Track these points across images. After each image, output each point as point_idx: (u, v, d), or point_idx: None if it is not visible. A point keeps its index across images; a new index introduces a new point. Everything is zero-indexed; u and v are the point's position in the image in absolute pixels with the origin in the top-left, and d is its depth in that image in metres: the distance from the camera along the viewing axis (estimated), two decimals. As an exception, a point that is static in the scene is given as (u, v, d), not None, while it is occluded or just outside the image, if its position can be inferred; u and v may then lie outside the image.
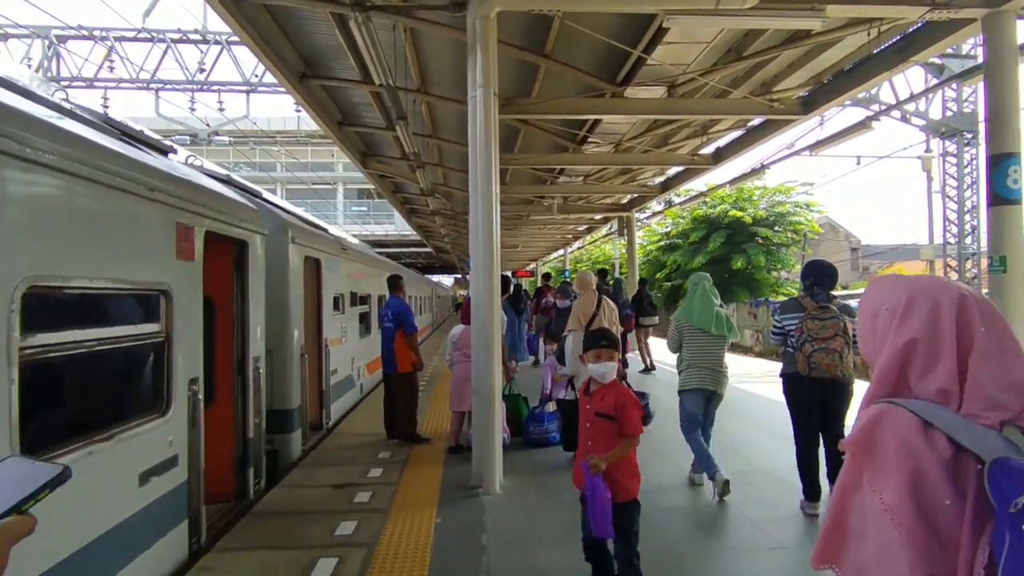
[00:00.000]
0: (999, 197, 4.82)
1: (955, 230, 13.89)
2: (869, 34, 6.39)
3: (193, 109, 11.93)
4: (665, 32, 5.91)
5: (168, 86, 12.63)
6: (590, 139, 9.95)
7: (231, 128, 15.48)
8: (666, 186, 12.80)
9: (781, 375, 4.84)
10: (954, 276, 14.03)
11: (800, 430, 4.50)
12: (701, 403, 4.82)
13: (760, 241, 25.90)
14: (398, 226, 43.62)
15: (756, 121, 9.19)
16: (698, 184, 14.19)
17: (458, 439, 6.02)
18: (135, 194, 3.05)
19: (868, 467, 1.16)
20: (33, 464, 0.76)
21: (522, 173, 15.91)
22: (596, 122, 8.92)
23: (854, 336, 4.10)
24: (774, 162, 10.31)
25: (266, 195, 6.96)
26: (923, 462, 1.08)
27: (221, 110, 11.93)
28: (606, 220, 17.97)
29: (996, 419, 1.09)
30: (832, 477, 4.35)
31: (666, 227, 29.65)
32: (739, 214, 25.68)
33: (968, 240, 13.67)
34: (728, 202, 26.68)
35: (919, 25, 5.84)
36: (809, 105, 7.63)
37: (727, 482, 4.49)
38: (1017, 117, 4.77)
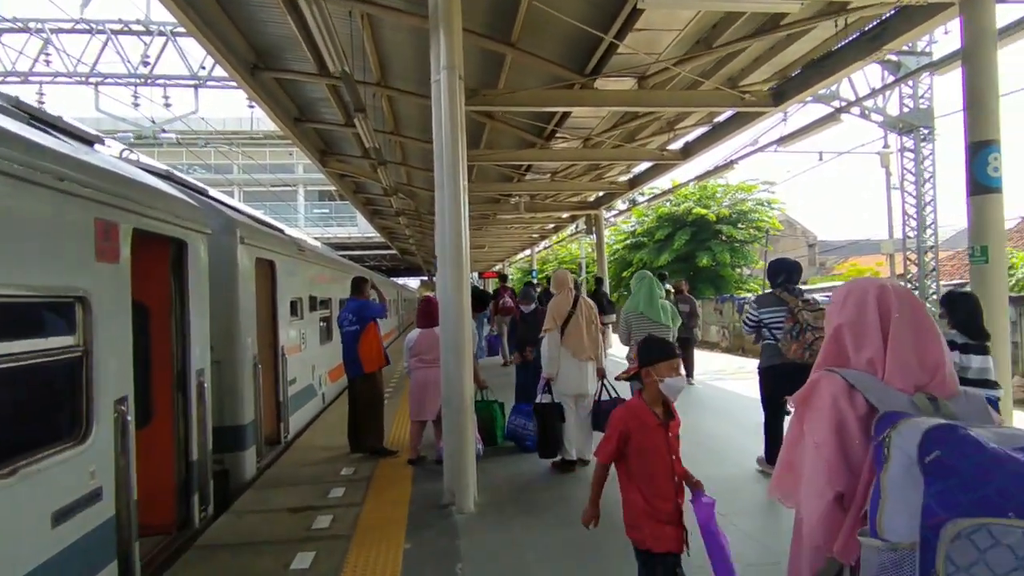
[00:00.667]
0: (979, 186, 4.71)
1: (914, 224, 14.14)
2: (836, 24, 6.31)
3: (137, 105, 11.19)
4: (638, 16, 5.65)
5: (109, 80, 11.82)
6: (558, 134, 9.68)
7: (182, 127, 14.67)
8: (634, 183, 12.65)
9: (761, 369, 5.14)
10: (913, 269, 14.30)
11: (774, 408, 5.09)
12: None
13: (724, 238, 26.20)
14: (361, 228, 42.70)
15: (725, 115, 9.07)
16: (665, 181, 14.08)
17: (418, 451, 5.66)
18: (39, 184, 2.59)
19: (806, 417, 1.58)
20: None
21: (488, 171, 15.55)
22: (564, 116, 8.66)
23: None
24: (742, 157, 10.23)
25: (214, 193, 6.44)
26: (844, 413, 1.48)
27: (167, 106, 11.23)
28: (573, 219, 17.78)
29: (909, 385, 1.47)
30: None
31: (632, 225, 29.75)
32: (703, 211, 25.91)
33: (927, 233, 13.93)
34: (692, 200, 26.92)
35: (892, 12, 5.74)
36: (780, 97, 7.51)
37: None
38: (996, 103, 4.67)
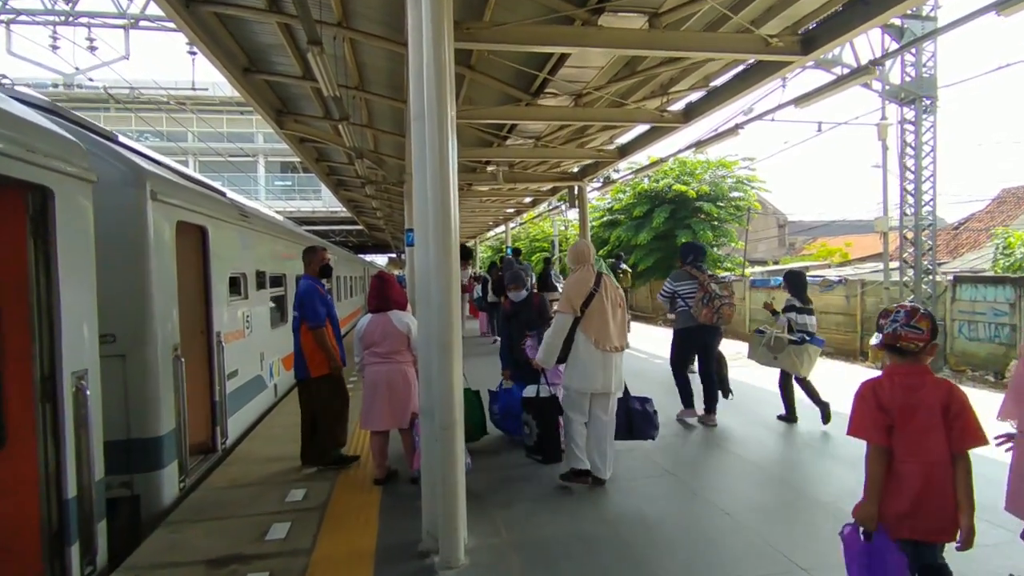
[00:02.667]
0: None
1: (911, 200, 13.48)
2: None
3: (56, 47, 9.53)
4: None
5: (23, 18, 10.07)
6: (548, 88, 8.50)
7: (116, 80, 12.91)
8: (625, 151, 11.56)
9: (677, 330, 6.27)
10: (910, 249, 13.68)
11: (683, 363, 6.31)
12: None
13: (703, 216, 25.47)
14: (326, 202, 40.93)
15: (739, 68, 8.04)
16: (661, 149, 13.05)
17: (386, 466, 4.57)
18: None
19: None
20: None
21: (465, 134, 14.26)
22: (559, 64, 7.49)
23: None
24: (748, 121, 9.23)
25: (127, 141, 5.09)
26: None
27: (92, 48, 9.60)
28: (554, 191, 16.64)
29: None
30: (708, 392, 6.07)
31: (608, 202, 28.79)
32: (683, 188, 25.09)
33: (926, 211, 13.29)
34: (672, 176, 26.06)
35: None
36: (809, 44, 6.48)
37: None
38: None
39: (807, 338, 5.80)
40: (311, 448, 4.83)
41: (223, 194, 6.22)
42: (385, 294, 4.53)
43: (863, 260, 34.02)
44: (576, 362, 4.32)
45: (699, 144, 10.01)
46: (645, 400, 4.74)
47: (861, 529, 2.33)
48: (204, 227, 4.98)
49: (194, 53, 10.71)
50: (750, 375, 8.48)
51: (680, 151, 11.51)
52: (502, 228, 28.65)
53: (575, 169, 13.75)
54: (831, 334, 17.27)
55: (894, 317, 2.38)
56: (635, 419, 4.62)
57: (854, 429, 2.40)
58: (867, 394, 2.36)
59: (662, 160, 12.26)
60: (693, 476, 4.64)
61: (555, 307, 4.79)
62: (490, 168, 14.20)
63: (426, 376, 3.22)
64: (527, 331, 5.17)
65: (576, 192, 13.92)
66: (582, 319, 4.31)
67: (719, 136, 9.29)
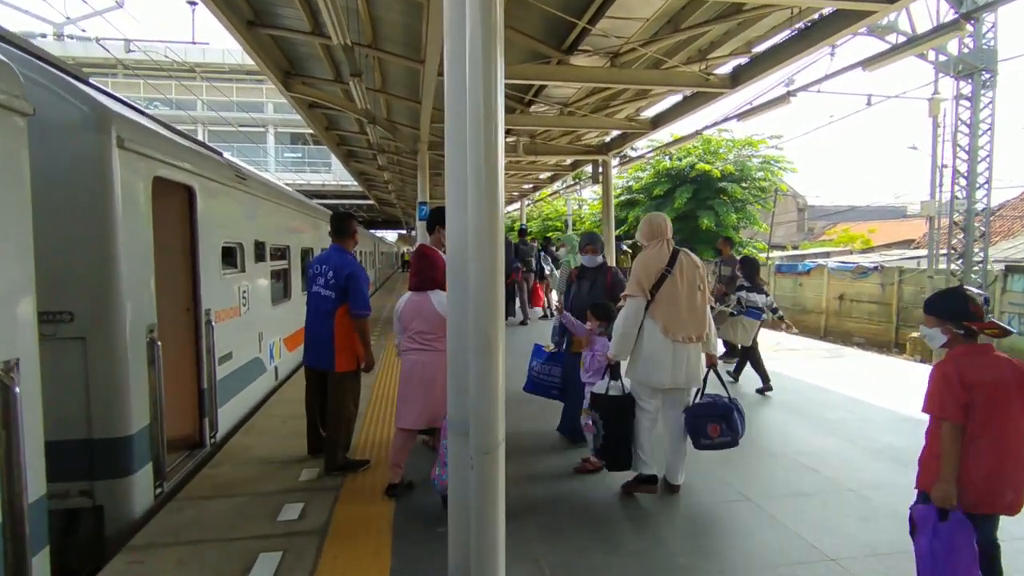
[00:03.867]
0: None
1: (963, 183, 12.50)
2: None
3: (41, -8, 8.74)
4: None
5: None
6: (582, 46, 7.64)
7: (104, 26, 12.10)
8: (658, 122, 10.65)
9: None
10: (959, 235, 12.74)
11: None
12: None
13: (725, 197, 24.45)
14: (337, 175, 40.21)
15: (787, 33, 7.17)
16: (703, 118, 11.96)
17: (402, 474, 3.92)
18: None
19: None
20: None
21: None
22: (597, 16, 6.63)
23: None
24: (801, 88, 8.33)
25: (96, 84, 4.30)
26: None
27: (83, -4, 8.81)
28: (576, 165, 15.75)
29: None
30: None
31: (626, 181, 27.77)
32: (707, 167, 24.04)
33: (979, 194, 12.32)
34: (694, 155, 25.00)
35: None
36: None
37: None
38: None
39: (744, 312, 6.72)
40: (318, 439, 4.22)
41: (219, 153, 5.47)
42: (426, 272, 3.91)
43: (889, 247, 32.91)
44: (642, 352, 3.84)
45: (744, 114, 9.10)
46: (733, 402, 4.01)
47: (935, 508, 2.37)
48: (191, 187, 4.24)
49: (195, 3, 9.86)
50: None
51: (717, 123, 10.55)
52: (516, 206, 27.75)
53: (601, 142, 12.86)
54: (863, 324, 16.41)
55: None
56: (689, 417, 3.97)
57: (936, 408, 2.42)
58: (950, 374, 2.39)
59: (698, 132, 11.23)
60: (759, 492, 3.94)
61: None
62: (509, 139, 13.33)
63: (457, 381, 2.47)
64: (597, 303, 4.50)
65: (600, 167, 13.03)
66: (651, 303, 3.81)
67: (769, 104, 8.39)
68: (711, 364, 4.06)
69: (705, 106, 9.01)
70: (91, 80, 3.85)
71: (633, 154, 17.45)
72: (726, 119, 9.72)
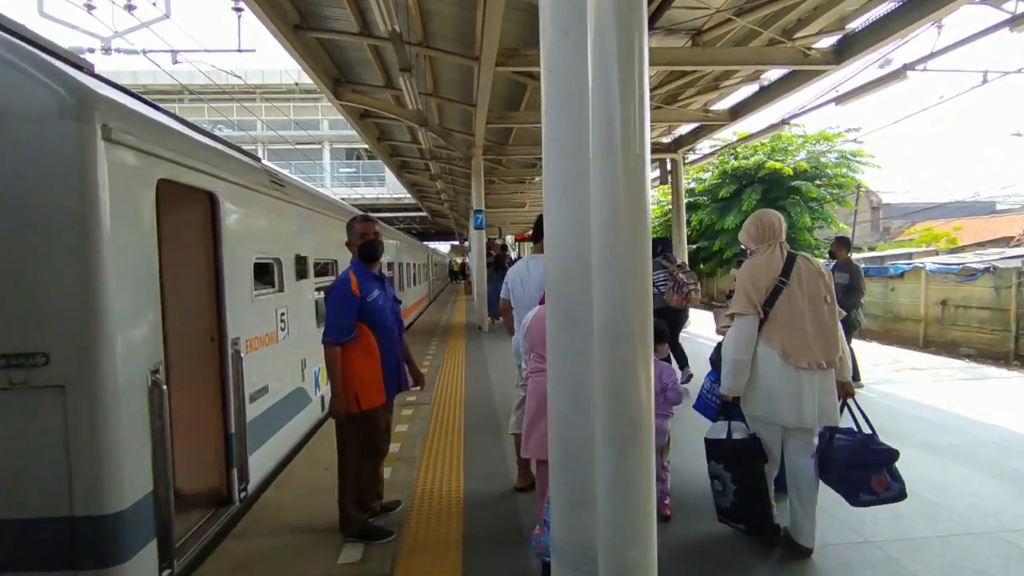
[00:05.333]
0: None
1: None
2: None
3: (92, 7, 8.55)
4: None
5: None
6: (658, 24, 6.68)
7: (150, 37, 12.02)
8: (738, 111, 9.49)
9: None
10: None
11: None
12: None
13: (800, 197, 22.63)
14: (390, 188, 40.61)
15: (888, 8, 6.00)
16: (795, 101, 10.52)
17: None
18: None
19: None
20: None
21: (528, 133, 12.65)
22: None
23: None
24: (919, 61, 7.06)
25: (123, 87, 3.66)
26: None
27: (131, 7, 8.55)
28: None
29: None
30: (677, 355, 6.69)
31: (689, 183, 26.32)
32: (778, 165, 22.34)
33: None
34: (763, 152, 23.34)
35: None
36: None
37: None
38: None
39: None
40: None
41: (255, 159, 4.80)
42: None
43: (982, 246, 29.98)
44: (757, 383, 3.15)
45: (843, 97, 7.86)
46: (871, 439, 3.11)
47: None
48: (212, 193, 3.54)
49: (240, 10, 9.49)
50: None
51: (805, 109, 9.27)
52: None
53: (672, 136, 11.78)
54: (972, 332, 14.50)
55: None
56: (835, 464, 3.09)
57: None
58: None
59: (784, 121, 9.88)
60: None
61: None
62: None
63: (567, 484, 1.56)
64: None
65: (670, 166, 11.93)
66: (765, 322, 3.13)
67: (879, 82, 7.14)
68: (846, 395, 3.21)
69: (799, 88, 7.84)
70: (91, 66, 3.19)
71: (692, 156, 16.22)
72: (806, 109, 8.45)
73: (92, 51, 8.54)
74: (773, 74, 9.21)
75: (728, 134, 18.84)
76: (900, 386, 6.17)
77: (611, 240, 1.45)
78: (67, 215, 2.43)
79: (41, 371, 2.42)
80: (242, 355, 3.81)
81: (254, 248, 4.24)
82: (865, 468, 3.04)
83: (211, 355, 3.66)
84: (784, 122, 9.71)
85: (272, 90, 42.42)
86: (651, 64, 7.61)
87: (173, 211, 3.44)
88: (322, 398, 5.94)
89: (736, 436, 3.15)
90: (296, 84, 41.81)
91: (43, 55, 2.54)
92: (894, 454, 3.09)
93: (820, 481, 3.13)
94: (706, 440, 3.26)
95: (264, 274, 4.57)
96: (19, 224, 2.38)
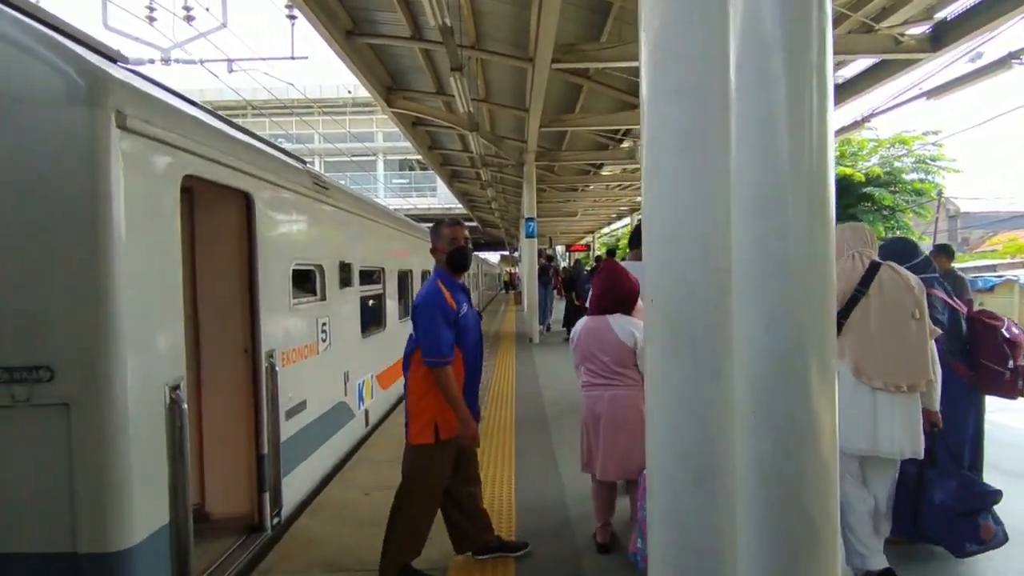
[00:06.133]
0: None
1: None
2: None
3: (152, 19, 8.74)
4: None
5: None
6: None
7: (206, 47, 12.27)
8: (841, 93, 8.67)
9: None
10: None
11: None
12: None
13: (869, 204, 21.20)
14: (441, 199, 41.17)
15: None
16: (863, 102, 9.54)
17: (609, 526, 3.34)
18: None
19: None
20: None
21: (580, 138, 12.21)
22: None
23: None
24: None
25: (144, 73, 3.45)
26: None
27: (190, 18, 8.68)
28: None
29: None
30: None
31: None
32: (848, 171, 21.00)
33: None
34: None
35: None
36: None
37: None
38: None
39: None
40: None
41: (301, 161, 4.56)
42: (616, 292, 3.29)
43: (1080, 256, 27.38)
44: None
45: (938, 90, 7.05)
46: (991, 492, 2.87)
47: None
48: (248, 193, 3.27)
49: (294, 17, 9.51)
50: None
51: (891, 105, 8.41)
52: (629, 219, 26.04)
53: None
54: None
55: None
56: (932, 511, 2.89)
57: None
58: None
59: (872, 114, 8.94)
60: None
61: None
62: (625, 145, 11.93)
63: (670, 510, 1.10)
64: None
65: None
66: (839, 335, 2.64)
67: (981, 72, 6.35)
68: (931, 425, 2.94)
69: (885, 82, 7.09)
70: (120, 55, 2.97)
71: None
72: (904, 101, 7.61)
73: (152, 62, 8.70)
74: (849, 71, 8.42)
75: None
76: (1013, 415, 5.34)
77: (773, 232, 1.01)
78: (75, 212, 2.16)
79: (45, 387, 2.15)
80: (277, 368, 3.51)
81: (293, 254, 3.96)
82: (972, 516, 2.80)
83: (244, 368, 3.38)
84: (866, 119, 8.85)
85: (329, 104, 43.75)
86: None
87: (205, 212, 3.18)
88: (366, 412, 5.65)
89: None
90: (350, 93, 43.02)
91: (45, 29, 2.28)
92: (998, 495, 2.85)
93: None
94: None
95: (305, 281, 4.30)
96: (24, 222, 2.12)
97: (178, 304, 2.61)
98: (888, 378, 2.76)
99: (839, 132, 9.12)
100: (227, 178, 3.05)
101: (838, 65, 7.35)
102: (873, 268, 2.87)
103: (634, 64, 7.24)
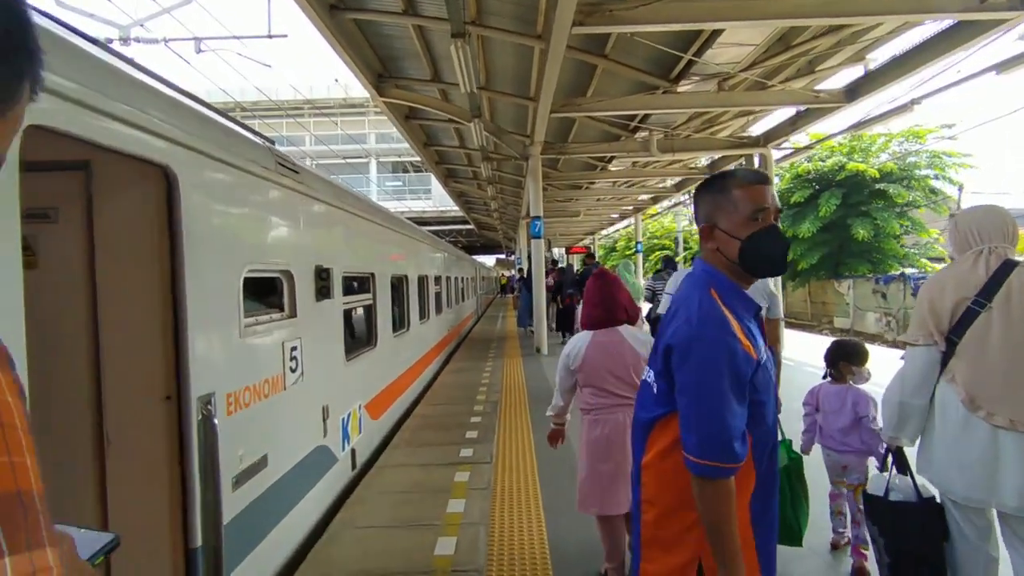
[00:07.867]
0: None
1: None
2: None
3: (111, -6, 7.70)
4: None
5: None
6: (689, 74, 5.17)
7: (174, 25, 11.16)
8: (857, 90, 7.74)
9: (650, 318, 7.00)
10: None
11: None
12: None
13: (882, 201, 20.30)
14: (436, 202, 40.35)
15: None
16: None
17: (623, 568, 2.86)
18: None
19: None
20: (80, 532, 0.77)
21: (589, 129, 11.20)
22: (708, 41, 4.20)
23: None
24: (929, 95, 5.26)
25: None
26: None
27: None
28: (715, 166, 13.00)
29: None
30: None
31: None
32: (860, 167, 20.11)
33: None
34: (840, 153, 21.13)
35: None
36: None
37: None
38: None
39: None
40: None
41: (270, 142, 3.50)
42: (612, 302, 3.01)
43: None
44: (933, 436, 2.29)
45: (1009, 63, 6.06)
46: None
47: None
48: (167, 168, 2.23)
49: (271, -8, 8.43)
50: None
51: (963, 78, 7.42)
52: (628, 221, 25.09)
53: (762, 127, 10.13)
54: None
55: None
56: None
57: None
58: None
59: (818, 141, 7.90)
60: None
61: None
62: (640, 136, 10.91)
63: None
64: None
65: (760, 162, 10.26)
66: (951, 356, 2.23)
67: (887, 114, 5.40)
68: None
69: (815, 123, 6.40)
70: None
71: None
72: (976, 73, 6.62)
73: (111, 41, 7.65)
74: (904, 41, 7.39)
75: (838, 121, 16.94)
76: None
77: None
78: None
79: None
80: (216, 420, 2.45)
81: (245, 256, 2.90)
82: None
83: (164, 423, 2.32)
84: (915, 102, 7.87)
85: (321, 104, 42.84)
86: (680, 107, 6.42)
87: (107, 200, 2.14)
88: (352, 453, 4.59)
89: (895, 498, 2.37)
90: (344, 99, 42.08)
91: None
92: None
93: None
94: (867, 495, 2.52)
95: (265, 293, 3.25)
96: None
97: (21, 333, 1.56)
98: (1014, 413, 2.14)
99: (883, 116, 8.15)
100: (127, 144, 2.00)
101: (906, 26, 6.38)
102: (1002, 271, 2.16)
103: (674, 27, 6.29)
